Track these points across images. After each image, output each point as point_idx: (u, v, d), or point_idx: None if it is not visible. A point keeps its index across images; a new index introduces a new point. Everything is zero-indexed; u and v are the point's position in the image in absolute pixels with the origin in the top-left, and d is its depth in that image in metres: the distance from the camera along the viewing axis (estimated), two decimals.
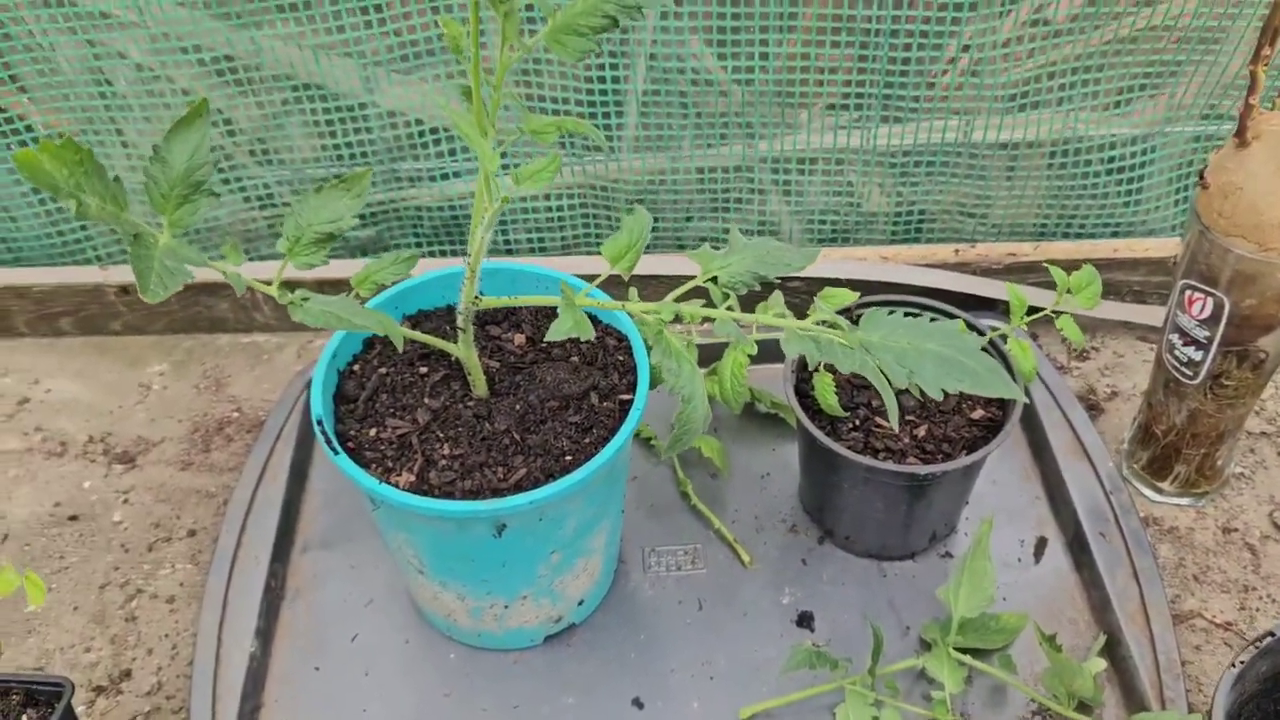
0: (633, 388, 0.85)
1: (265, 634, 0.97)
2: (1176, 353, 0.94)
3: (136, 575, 1.05)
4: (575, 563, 0.89)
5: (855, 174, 1.17)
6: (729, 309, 0.71)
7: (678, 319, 0.73)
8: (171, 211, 0.71)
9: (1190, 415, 0.97)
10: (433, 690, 0.94)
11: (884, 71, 1.08)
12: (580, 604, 0.95)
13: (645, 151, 1.16)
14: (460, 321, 0.81)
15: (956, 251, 1.17)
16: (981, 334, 0.95)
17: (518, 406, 0.85)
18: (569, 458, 0.82)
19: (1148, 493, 1.05)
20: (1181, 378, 0.95)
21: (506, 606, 0.90)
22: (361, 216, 1.24)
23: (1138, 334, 1.20)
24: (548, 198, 1.21)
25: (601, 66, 1.10)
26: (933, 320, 0.70)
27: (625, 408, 0.84)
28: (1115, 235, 1.19)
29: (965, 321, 0.98)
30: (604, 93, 1.12)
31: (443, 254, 1.26)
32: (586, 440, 0.83)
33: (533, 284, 0.93)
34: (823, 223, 1.21)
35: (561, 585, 0.90)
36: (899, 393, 0.94)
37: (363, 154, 1.18)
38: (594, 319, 0.92)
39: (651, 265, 1.18)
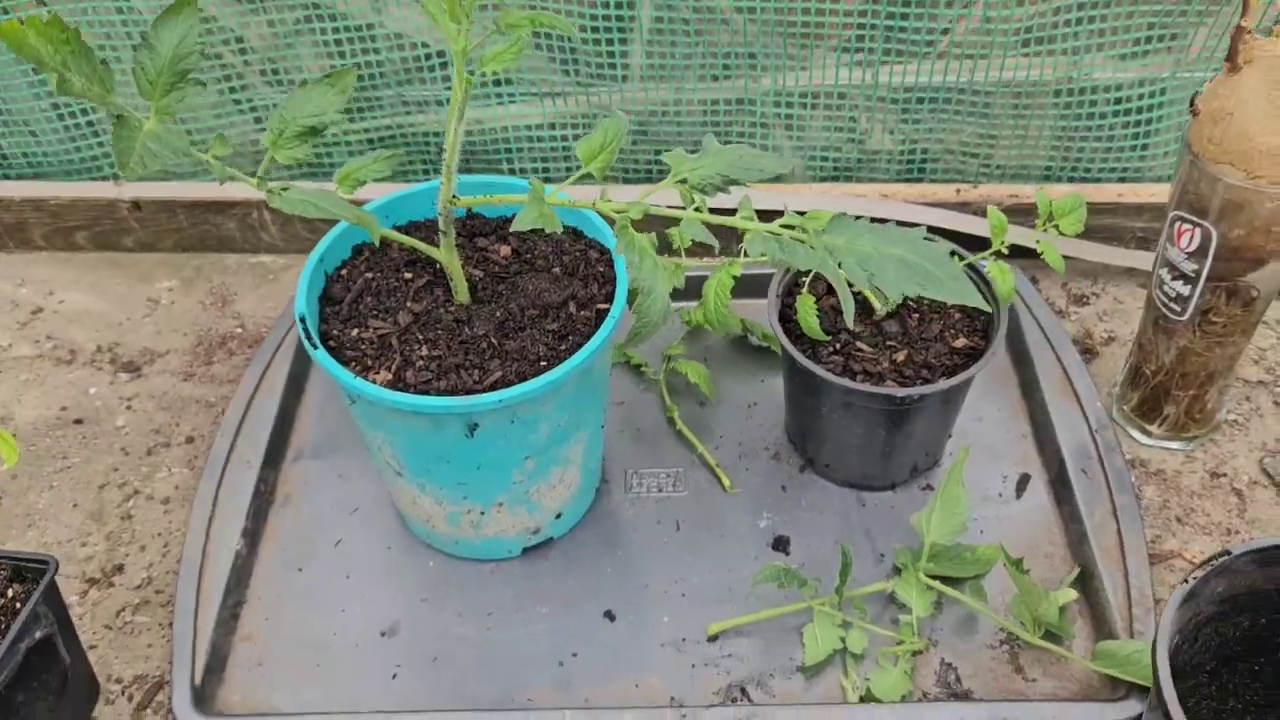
0: (612, 298, 0.86)
1: (252, 535, 1.00)
2: (1165, 288, 0.93)
3: (135, 477, 1.08)
4: (550, 471, 0.91)
5: (859, 111, 1.16)
6: (697, 210, 0.72)
7: (664, 240, 0.73)
8: (159, 98, 0.73)
9: (1179, 354, 0.96)
10: (410, 595, 0.96)
11: (888, 1, 1.07)
12: (558, 517, 0.97)
13: (650, 82, 1.17)
14: (441, 224, 0.82)
15: (958, 191, 1.17)
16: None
17: (498, 313, 0.87)
18: (544, 363, 0.83)
19: (1137, 435, 1.04)
20: (1170, 314, 0.94)
21: (483, 513, 0.92)
22: (370, 141, 1.26)
23: (1139, 280, 1.19)
24: (552, 126, 1.21)
25: None
26: (899, 225, 0.70)
27: (603, 317, 0.85)
28: (1122, 180, 1.18)
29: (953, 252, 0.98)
30: (607, 19, 1.12)
31: None
32: (563, 347, 0.84)
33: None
34: (825, 159, 1.21)
35: (538, 494, 0.92)
36: (882, 319, 0.95)
37: (371, 77, 1.19)
38: (579, 233, 0.93)
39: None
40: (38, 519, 1.05)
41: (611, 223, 0.73)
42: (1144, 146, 1.15)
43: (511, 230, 0.68)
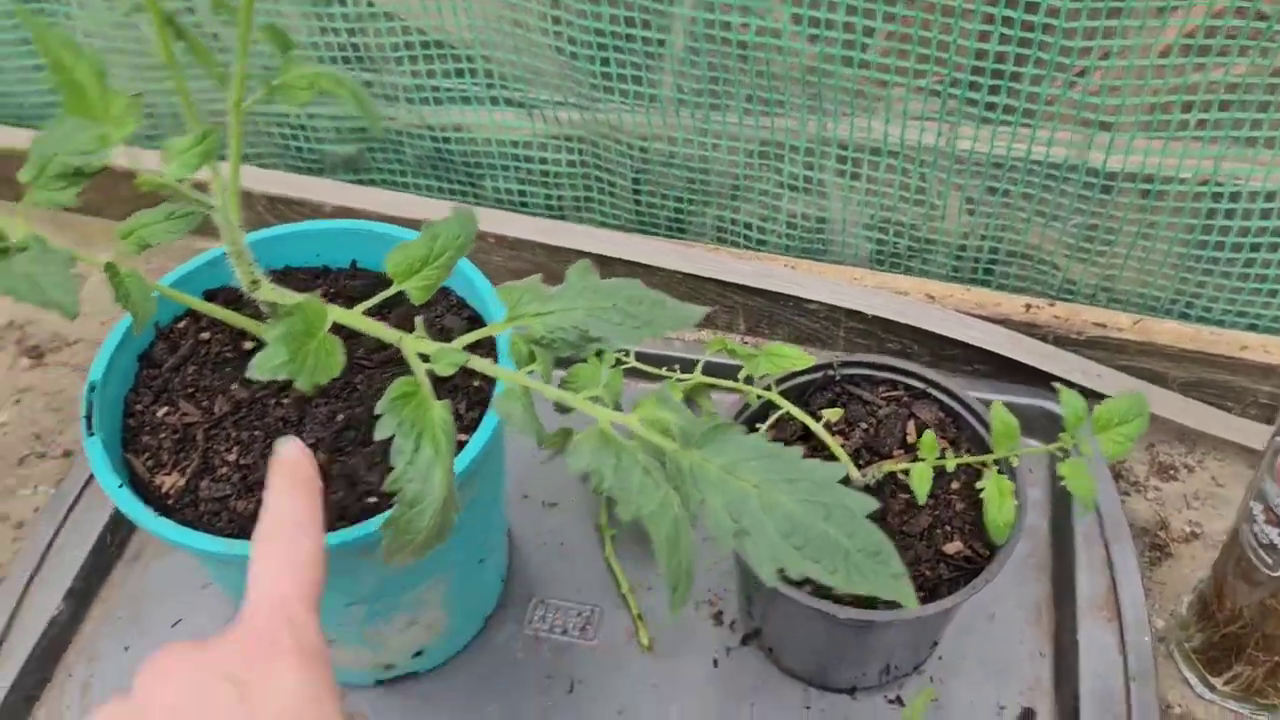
0: (476, 426, 0.65)
1: (82, 596, 0.85)
2: (1256, 528, 0.66)
3: None
4: (392, 617, 0.72)
5: (939, 180, 0.90)
6: (531, 373, 0.50)
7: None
8: None
9: (1262, 610, 0.69)
10: None
11: (974, 54, 0.81)
12: (417, 655, 0.78)
13: (684, 109, 0.93)
14: (263, 307, 0.63)
15: (1028, 308, 0.90)
16: (984, 437, 0.69)
17: (339, 417, 0.67)
18: (373, 499, 0.64)
19: (1194, 682, 0.78)
20: (1257, 561, 0.67)
21: None
22: (339, 130, 1.07)
23: (1250, 461, 0.91)
24: (543, 146, 1.00)
25: None
26: (813, 456, 0.48)
27: (459, 449, 0.65)
28: (1253, 329, 0.89)
29: (958, 411, 0.73)
30: (630, 24, 0.89)
31: (428, 190, 1.08)
32: None
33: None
34: (871, 235, 0.96)
35: (378, 637, 0.73)
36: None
37: (347, 60, 0.99)
38: (477, 322, 0.73)
39: (670, 259, 0.97)
40: None
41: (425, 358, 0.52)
42: None
43: (248, 377, 0.49)
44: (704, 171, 0.97)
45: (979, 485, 0.66)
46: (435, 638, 0.77)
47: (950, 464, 0.66)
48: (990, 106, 0.84)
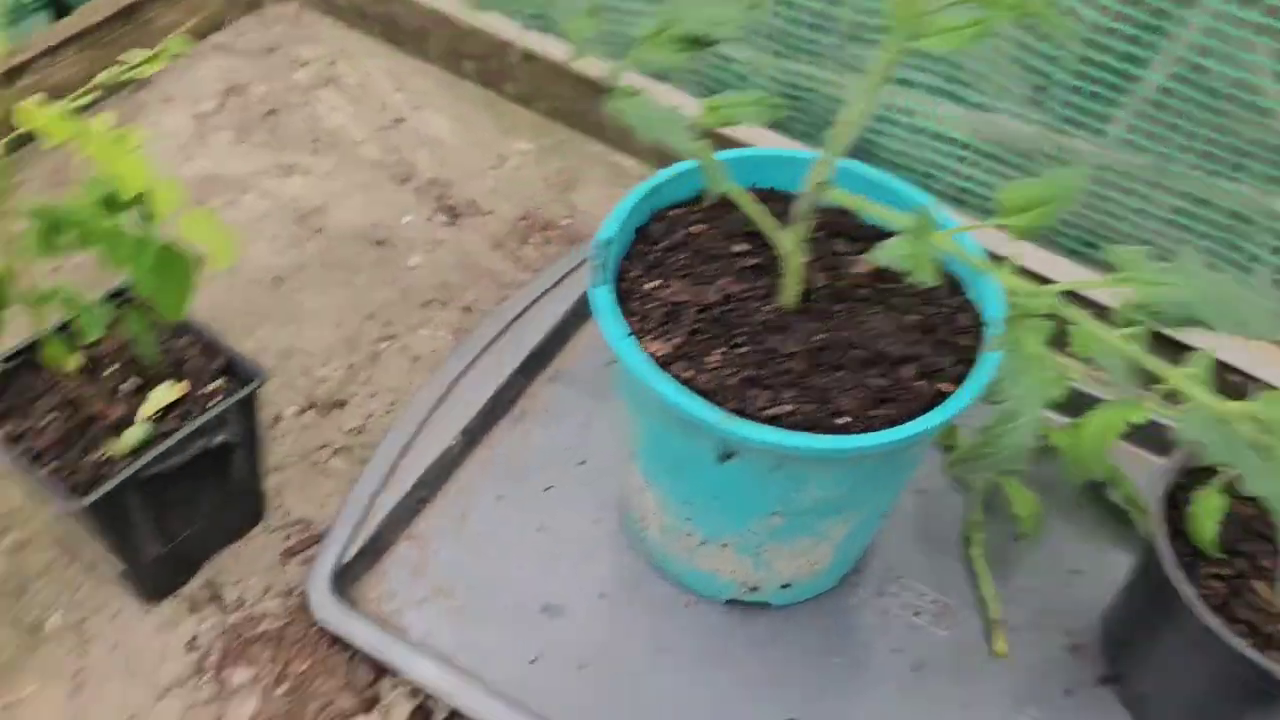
0: (960, 380, 0.66)
1: (471, 437, 0.90)
2: None
3: (400, 322, 1.01)
4: (797, 539, 0.73)
5: None
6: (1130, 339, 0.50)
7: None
8: None
9: None
10: (589, 586, 0.83)
11: None
12: (785, 587, 0.79)
13: (1128, 148, 0.92)
14: (801, 207, 0.65)
15: None
16: None
17: (819, 336, 0.69)
18: (841, 420, 0.65)
19: None
20: None
21: (702, 543, 0.76)
22: (741, 77, 1.09)
23: None
24: (966, 146, 1.00)
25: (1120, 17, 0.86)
26: None
27: (940, 399, 0.65)
28: None
29: None
30: (1104, 51, 0.88)
31: None
32: (874, 413, 0.65)
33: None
34: None
35: (770, 554, 0.75)
36: None
37: (817, 26, 1.02)
38: (958, 286, 0.73)
39: (1051, 268, 0.96)
40: (303, 320, 1.00)
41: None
42: None
43: (867, 258, 0.50)
44: (1134, 213, 0.95)
45: None
46: (810, 574, 0.78)
47: None
48: None
